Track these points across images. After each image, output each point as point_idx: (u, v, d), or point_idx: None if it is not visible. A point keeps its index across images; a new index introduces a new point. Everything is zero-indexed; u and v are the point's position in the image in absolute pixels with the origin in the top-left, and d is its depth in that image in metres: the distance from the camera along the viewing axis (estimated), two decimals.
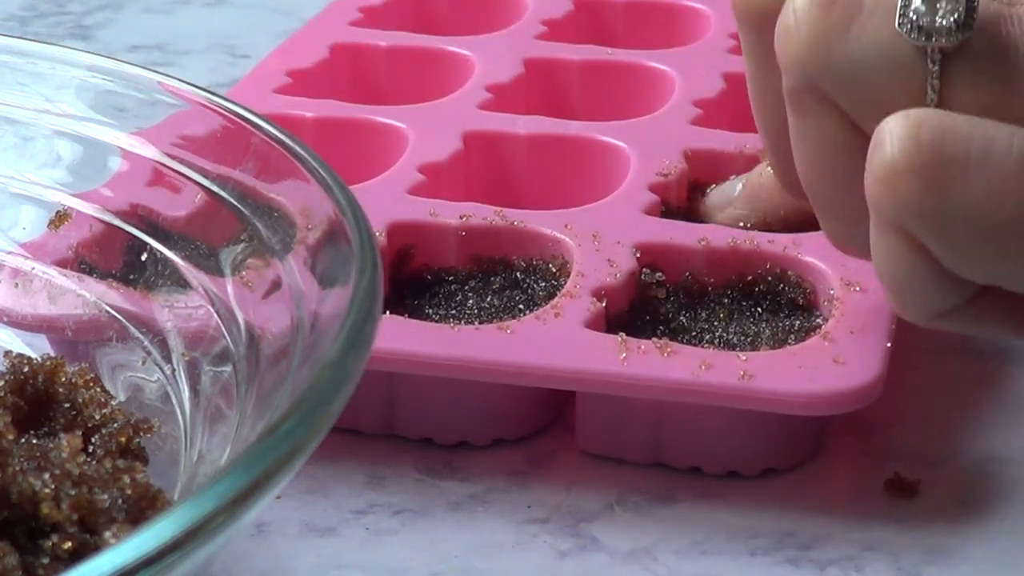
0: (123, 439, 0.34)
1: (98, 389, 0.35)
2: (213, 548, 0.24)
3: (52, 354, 0.36)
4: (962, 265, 0.33)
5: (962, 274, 0.33)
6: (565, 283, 0.41)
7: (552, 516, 0.38)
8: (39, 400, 0.34)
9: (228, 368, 0.34)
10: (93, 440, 0.34)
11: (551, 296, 0.41)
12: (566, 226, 0.43)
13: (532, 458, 0.40)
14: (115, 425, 0.34)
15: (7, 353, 0.36)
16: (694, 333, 0.41)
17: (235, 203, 0.36)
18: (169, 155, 0.38)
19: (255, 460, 0.25)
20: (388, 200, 0.45)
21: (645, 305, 0.42)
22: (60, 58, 0.40)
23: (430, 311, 0.42)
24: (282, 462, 0.26)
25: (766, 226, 0.44)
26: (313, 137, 0.49)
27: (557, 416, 0.41)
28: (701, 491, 0.39)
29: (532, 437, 0.41)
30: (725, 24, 0.57)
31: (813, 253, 0.42)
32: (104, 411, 0.34)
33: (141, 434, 0.34)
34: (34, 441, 0.31)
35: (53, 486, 0.30)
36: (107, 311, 0.38)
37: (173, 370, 0.36)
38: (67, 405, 0.34)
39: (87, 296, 0.39)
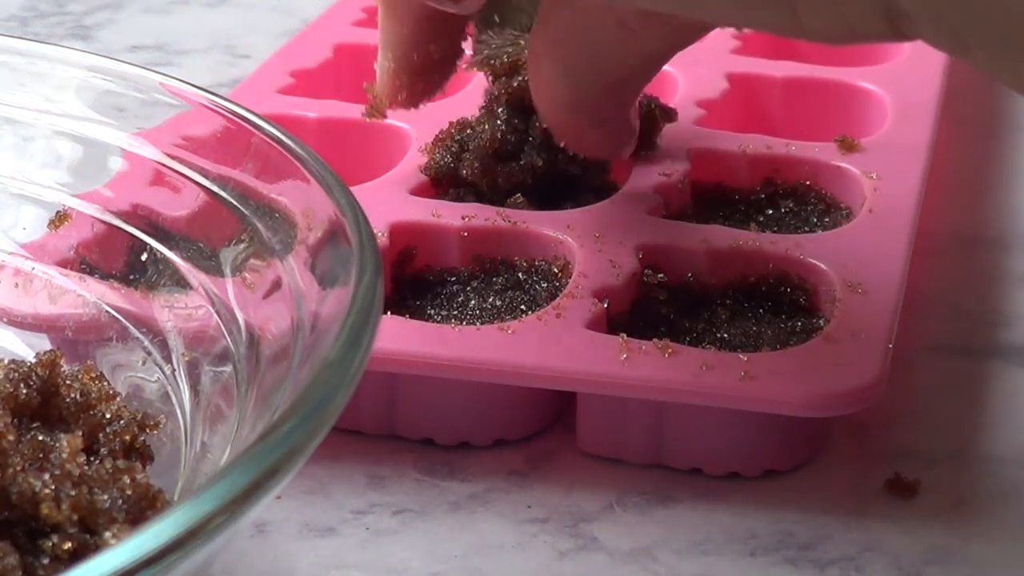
0: (128, 437, 0.34)
1: (105, 384, 0.35)
2: (213, 548, 0.24)
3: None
4: None
5: None
6: (567, 284, 0.41)
7: (552, 516, 0.38)
8: (45, 391, 0.34)
9: (228, 368, 0.34)
10: (100, 437, 0.34)
11: (553, 297, 0.41)
12: (568, 227, 0.43)
13: (532, 458, 0.40)
14: (121, 422, 0.34)
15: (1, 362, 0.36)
16: (695, 334, 0.41)
17: (236, 203, 0.36)
18: (170, 155, 0.38)
19: (255, 460, 0.25)
20: (390, 200, 0.45)
21: (647, 306, 0.42)
22: (60, 58, 0.40)
23: (432, 312, 0.42)
24: (282, 462, 0.26)
25: None
26: (316, 137, 0.49)
27: (557, 416, 0.41)
28: (701, 491, 0.39)
29: (532, 437, 0.41)
30: None
31: (815, 255, 0.42)
32: (112, 406, 0.34)
33: (147, 431, 0.34)
34: (40, 437, 0.31)
35: (53, 486, 0.30)
36: (107, 311, 0.38)
37: (173, 370, 0.36)
38: (76, 395, 0.34)
39: (87, 296, 0.39)
